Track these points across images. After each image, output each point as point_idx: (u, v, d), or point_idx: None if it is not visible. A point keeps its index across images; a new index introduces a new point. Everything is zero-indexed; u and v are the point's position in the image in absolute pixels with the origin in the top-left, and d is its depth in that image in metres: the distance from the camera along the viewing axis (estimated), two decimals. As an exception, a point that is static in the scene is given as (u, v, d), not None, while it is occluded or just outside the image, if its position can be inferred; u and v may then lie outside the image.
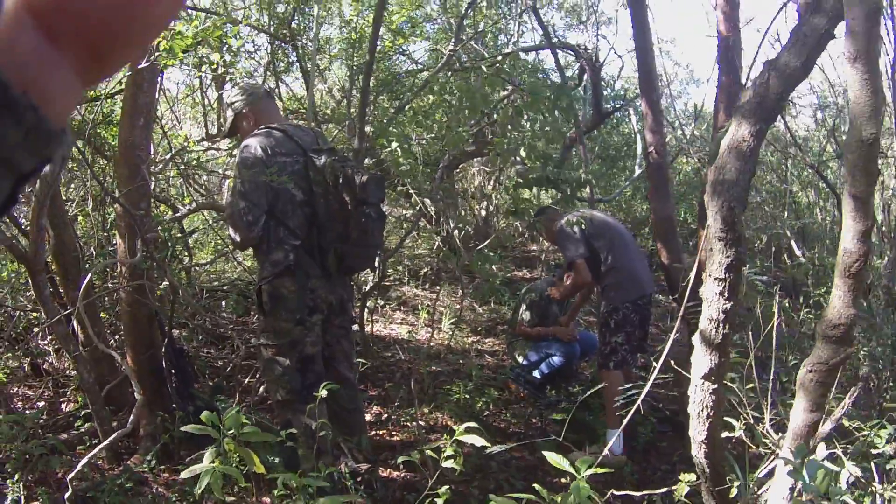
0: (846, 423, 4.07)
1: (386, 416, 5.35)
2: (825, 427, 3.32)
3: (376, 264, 5.26)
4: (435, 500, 3.34)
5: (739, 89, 4.90)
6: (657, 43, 10.71)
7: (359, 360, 5.59)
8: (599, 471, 2.62)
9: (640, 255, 5.48)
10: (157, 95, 4.98)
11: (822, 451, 2.90)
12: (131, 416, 3.96)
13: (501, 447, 3.53)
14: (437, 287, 8.10)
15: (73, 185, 5.86)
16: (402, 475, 4.52)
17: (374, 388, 5.80)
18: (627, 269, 5.23)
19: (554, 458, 2.69)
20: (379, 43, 5.54)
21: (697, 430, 2.97)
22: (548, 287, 5.92)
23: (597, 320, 6.01)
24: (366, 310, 6.22)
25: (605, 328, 5.24)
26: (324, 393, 3.44)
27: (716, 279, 2.68)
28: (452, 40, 5.68)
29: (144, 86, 4.26)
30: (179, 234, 6.35)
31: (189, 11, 5.52)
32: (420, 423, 5.08)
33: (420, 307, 7.56)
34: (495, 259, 7.94)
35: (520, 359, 6.00)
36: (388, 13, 5.47)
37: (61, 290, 4.80)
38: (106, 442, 3.86)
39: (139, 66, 3.89)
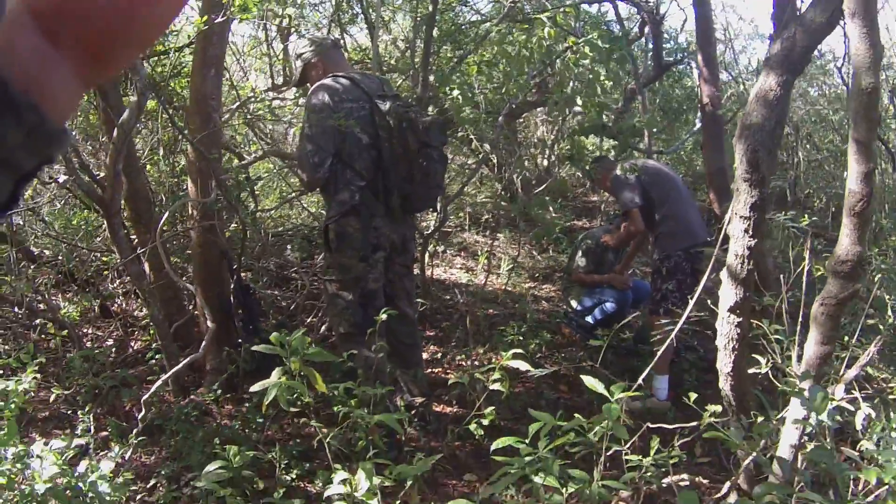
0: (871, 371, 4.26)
1: (442, 354, 5.64)
2: (850, 373, 3.51)
3: (437, 207, 5.52)
4: (481, 420, 3.64)
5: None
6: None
7: (418, 300, 5.91)
8: (628, 394, 2.81)
9: (693, 206, 5.60)
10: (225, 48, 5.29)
11: (840, 391, 3.11)
12: (203, 344, 4.29)
13: (543, 370, 3.82)
14: (497, 233, 8.38)
15: (141, 135, 6.20)
16: (455, 410, 4.81)
17: (431, 328, 6.08)
18: (681, 218, 5.34)
19: (590, 381, 2.89)
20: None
21: (724, 363, 3.18)
22: (603, 234, 6.13)
23: (650, 268, 6.20)
24: (427, 253, 6.52)
25: (657, 275, 5.41)
26: (383, 317, 3.74)
27: (741, 217, 2.89)
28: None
29: (214, 39, 4.55)
30: (246, 181, 6.71)
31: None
32: (475, 362, 5.38)
33: (479, 253, 7.82)
34: (555, 206, 8.16)
35: (574, 304, 6.19)
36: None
37: (133, 235, 5.15)
38: (179, 366, 4.17)
39: (213, 21, 4.19)
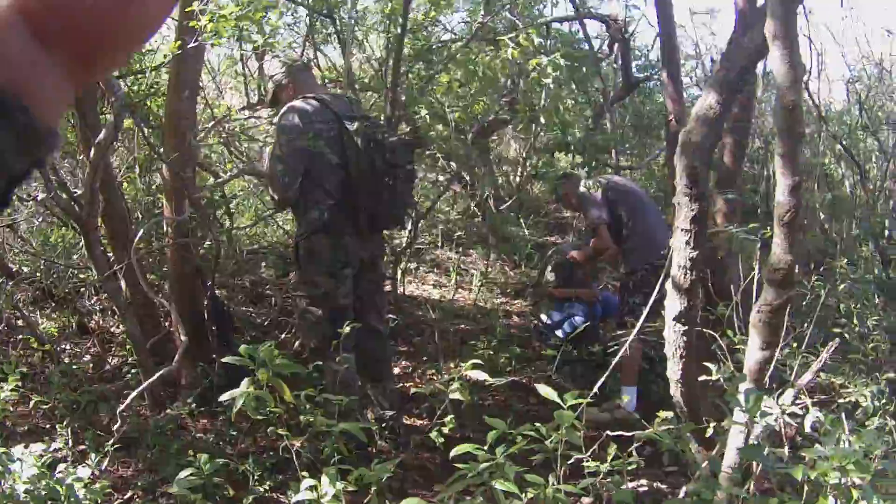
0: (827, 378, 4.45)
1: (413, 369, 5.84)
2: (803, 379, 3.70)
3: (408, 224, 5.73)
4: (441, 429, 3.84)
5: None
6: (692, 14, 10.92)
7: (390, 316, 6.10)
8: (583, 401, 2.94)
9: (661, 220, 5.80)
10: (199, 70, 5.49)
11: (789, 396, 3.30)
12: (175, 358, 4.46)
13: (502, 380, 4.01)
14: (470, 250, 8.59)
15: (118, 153, 6.38)
16: (425, 423, 4.99)
17: (403, 343, 6.28)
18: (647, 233, 5.53)
19: (543, 389, 3.06)
20: (413, 14, 5.99)
21: (673, 370, 3.37)
22: (571, 250, 6.33)
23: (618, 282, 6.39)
24: (399, 270, 6.73)
25: (624, 289, 5.62)
26: (347, 330, 3.92)
27: (683, 230, 3.11)
28: (481, 12, 6.12)
29: (189, 61, 4.72)
30: (221, 199, 6.90)
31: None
32: (445, 375, 5.57)
33: (451, 269, 8.04)
34: (527, 223, 8.39)
35: (544, 318, 6.41)
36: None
37: (110, 252, 5.30)
38: (152, 379, 4.32)
39: (187, 46, 4.38)
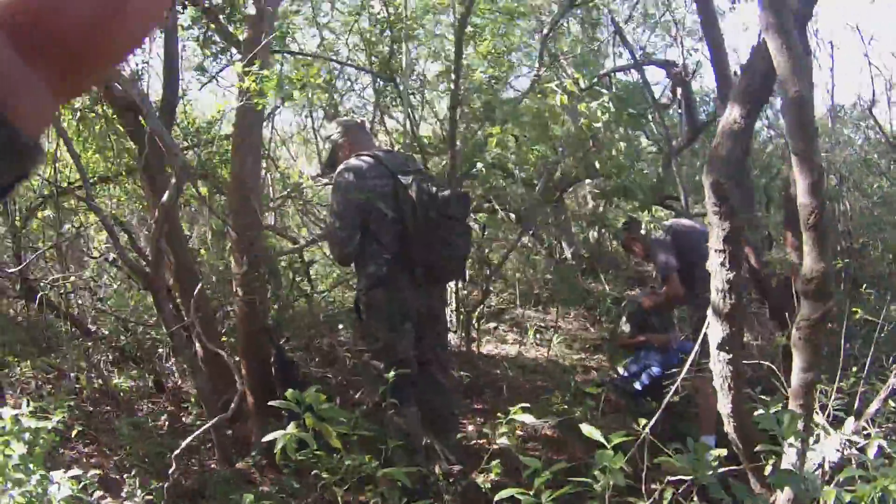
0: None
1: (485, 425, 5.90)
2: (871, 407, 3.61)
3: (465, 277, 5.84)
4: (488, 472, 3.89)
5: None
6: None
7: (463, 372, 6.19)
8: (628, 439, 2.96)
9: None
10: (271, 134, 5.81)
11: (850, 424, 3.23)
12: (232, 404, 4.62)
13: (545, 421, 4.02)
14: (550, 308, 8.65)
15: (194, 222, 6.73)
16: (495, 479, 5.03)
17: (477, 401, 6.37)
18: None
19: (587, 429, 3.10)
20: (474, 73, 6.21)
21: (723, 404, 3.32)
22: (643, 298, 6.33)
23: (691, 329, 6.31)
24: (473, 327, 6.85)
25: (696, 335, 5.60)
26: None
27: (716, 251, 3.09)
28: (536, 65, 6.29)
29: (252, 125, 5.06)
30: (300, 264, 7.18)
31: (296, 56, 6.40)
32: (518, 432, 5.61)
33: (529, 327, 8.11)
34: (606, 277, 8.42)
35: (621, 370, 6.40)
36: (475, 43, 6.17)
37: (182, 311, 5.59)
38: (207, 425, 4.52)
39: (244, 110, 4.68)
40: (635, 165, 6.20)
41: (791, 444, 2.79)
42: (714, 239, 3.12)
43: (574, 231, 9.09)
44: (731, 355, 3.23)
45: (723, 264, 3.10)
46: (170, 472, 4.15)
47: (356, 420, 4.18)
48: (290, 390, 3.38)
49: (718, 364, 3.29)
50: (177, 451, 4.18)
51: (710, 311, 3.28)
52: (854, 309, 4.78)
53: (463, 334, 7.08)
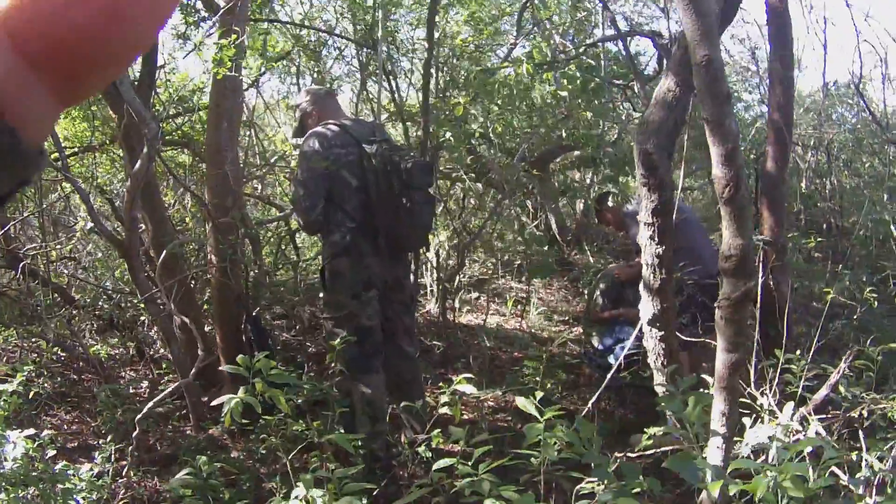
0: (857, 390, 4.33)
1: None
2: (820, 394, 3.61)
3: (427, 247, 5.94)
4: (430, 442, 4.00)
5: (791, 61, 5.19)
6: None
7: (437, 342, 6.34)
8: (553, 413, 2.96)
9: (706, 238, 5.86)
10: (254, 102, 5.93)
11: (788, 410, 3.19)
12: (192, 369, 4.79)
13: (492, 391, 4.11)
14: (532, 279, 8.77)
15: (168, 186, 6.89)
16: (463, 448, 5.17)
17: (451, 371, 6.52)
18: (692, 251, 5.51)
19: (521, 401, 3.15)
20: (454, 40, 6.31)
21: (658, 381, 3.41)
22: (616, 270, 6.45)
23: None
24: (448, 296, 7.01)
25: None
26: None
27: (646, 224, 3.10)
28: (514, 34, 6.39)
29: (227, 93, 5.19)
30: (287, 231, 7.34)
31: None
32: (489, 403, 5.78)
33: (509, 298, 8.25)
34: (591, 249, 8.53)
35: (596, 344, 6.52)
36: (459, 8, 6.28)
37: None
38: (170, 389, 4.75)
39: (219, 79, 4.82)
40: (604, 137, 6.28)
41: (713, 431, 2.80)
42: (643, 212, 3.16)
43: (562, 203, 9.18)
44: (662, 332, 3.28)
45: (652, 238, 3.16)
46: (133, 435, 4.31)
47: (309, 386, 4.36)
48: (240, 356, 3.51)
49: (651, 340, 3.34)
50: (139, 416, 4.34)
51: (640, 286, 3.33)
52: (826, 290, 4.83)
53: (439, 304, 7.22)
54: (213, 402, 3.51)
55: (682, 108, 3.16)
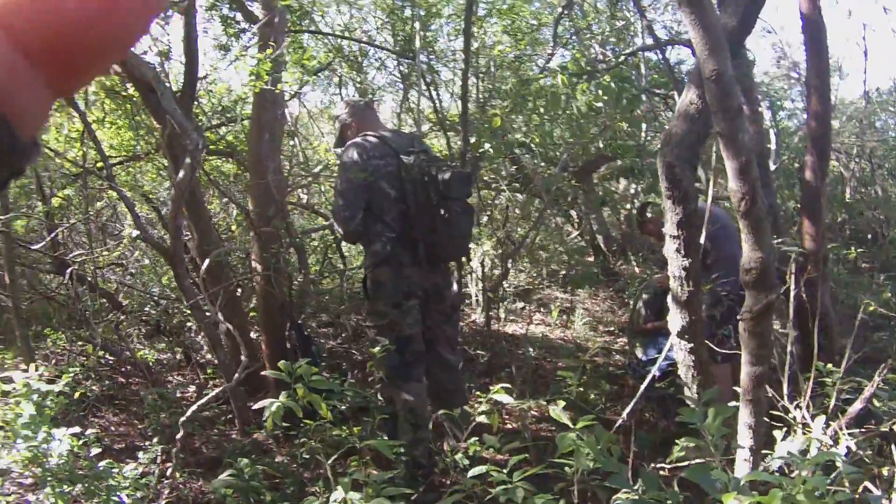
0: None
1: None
2: (855, 407, 3.62)
3: (471, 256, 6.11)
4: (468, 450, 4.13)
5: (826, 69, 5.22)
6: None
7: (482, 351, 6.50)
8: (586, 422, 3.03)
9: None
10: (297, 112, 6.16)
11: (819, 423, 3.14)
12: (236, 374, 4.99)
13: (535, 401, 4.18)
14: (577, 289, 8.91)
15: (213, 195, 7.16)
16: (506, 458, 5.29)
17: (496, 380, 6.66)
18: (730, 261, 5.53)
19: (554, 410, 3.23)
20: (492, 50, 6.49)
21: (689, 393, 3.43)
22: (659, 280, 6.54)
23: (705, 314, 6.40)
24: (499, 308, 7.15)
25: (711, 321, 5.65)
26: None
27: (672, 237, 3.17)
28: (551, 44, 6.56)
29: (267, 104, 5.43)
30: (334, 241, 7.56)
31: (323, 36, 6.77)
32: (533, 413, 5.92)
33: (554, 308, 8.40)
34: (636, 259, 8.64)
35: (639, 354, 6.62)
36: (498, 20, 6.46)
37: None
38: (214, 392, 4.96)
39: (262, 88, 5.06)
40: (645, 147, 6.39)
41: (740, 444, 2.89)
42: (669, 224, 3.27)
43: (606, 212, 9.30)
44: (692, 343, 3.37)
45: (678, 250, 3.26)
46: (178, 436, 4.53)
47: (352, 393, 4.54)
48: (282, 362, 3.68)
49: (681, 353, 3.42)
50: (184, 418, 4.55)
51: (669, 299, 3.41)
52: (867, 301, 4.87)
53: (484, 313, 7.38)
54: (256, 406, 3.70)
55: (704, 120, 3.17)
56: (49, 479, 3.48)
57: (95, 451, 3.72)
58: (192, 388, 6.28)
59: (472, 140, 5.75)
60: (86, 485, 3.55)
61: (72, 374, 4.13)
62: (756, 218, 2.73)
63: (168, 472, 4.50)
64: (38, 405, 3.55)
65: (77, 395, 4.86)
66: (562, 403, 3.31)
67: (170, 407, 5.56)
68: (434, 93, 7.09)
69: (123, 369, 6.25)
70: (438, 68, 7.59)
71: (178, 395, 5.96)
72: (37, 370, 3.70)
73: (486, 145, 5.56)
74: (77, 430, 3.65)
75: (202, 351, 6.76)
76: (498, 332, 7.35)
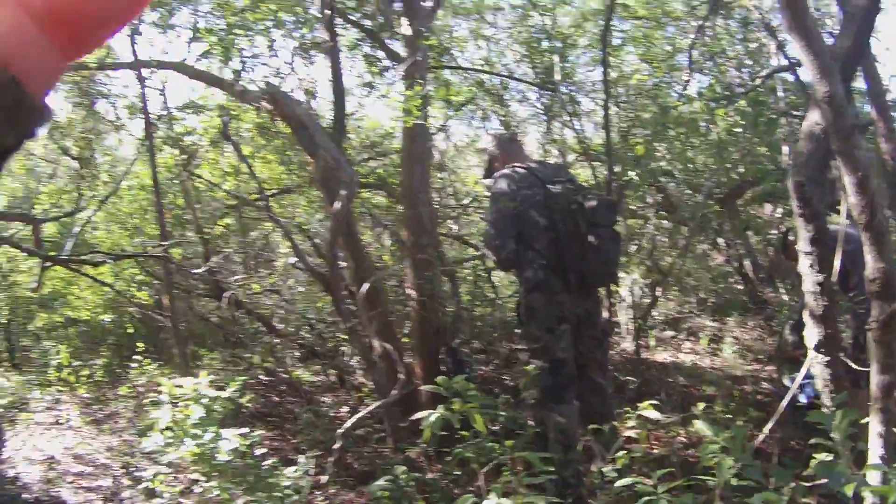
0: None
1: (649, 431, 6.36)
2: None
3: (619, 282, 6.33)
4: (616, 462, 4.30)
5: None
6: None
7: (630, 378, 6.72)
8: (727, 438, 3.13)
9: None
10: (444, 147, 6.57)
11: None
12: (393, 391, 5.36)
13: (671, 416, 4.34)
14: (725, 317, 9.00)
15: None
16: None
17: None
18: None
19: (699, 425, 3.36)
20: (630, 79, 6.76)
21: (828, 408, 3.48)
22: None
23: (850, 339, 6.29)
24: (646, 336, 7.36)
25: (856, 347, 5.72)
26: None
27: (805, 253, 3.30)
28: (687, 70, 6.77)
29: (416, 138, 5.87)
30: (484, 271, 7.92)
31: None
32: (681, 438, 6.10)
33: (703, 336, 8.54)
34: (785, 286, 8.69)
35: (787, 382, 6.67)
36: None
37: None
38: (371, 407, 5.42)
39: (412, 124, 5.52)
40: (786, 170, 6.49)
41: (871, 453, 2.99)
42: (802, 242, 3.43)
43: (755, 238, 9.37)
44: (829, 357, 3.49)
45: (811, 266, 3.43)
46: (334, 447, 4.94)
47: (505, 413, 4.80)
48: (440, 377, 3.96)
49: (818, 367, 3.55)
50: (341, 430, 4.97)
51: (805, 315, 3.57)
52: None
53: (633, 341, 7.61)
54: (414, 417, 4.01)
55: (827, 138, 3.28)
56: (215, 474, 3.95)
57: (260, 451, 4.16)
58: (345, 409, 6.70)
59: (617, 169, 6.02)
60: (250, 481, 3.99)
61: (238, 383, 4.60)
62: (877, 230, 2.86)
63: (323, 481, 4.88)
64: (208, 408, 4.03)
65: (245, 399, 5.30)
66: (697, 422, 3.46)
67: (324, 424, 5.98)
68: (576, 123, 7.41)
69: (278, 389, 6.75)
70: (579, 98, 7.91)
71: (332, 414, 6.39)
72: (206, 377, 4.18)
73: (631, 173, 5.82)
74: (245, 430, 4.11)
75: (355, 374, 7.18)
76: (647, 361, 7.56)
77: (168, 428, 4.13)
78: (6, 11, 0.65)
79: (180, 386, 4.21)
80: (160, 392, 4.33)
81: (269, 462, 4.18)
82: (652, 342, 8.10)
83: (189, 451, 3.96)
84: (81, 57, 0.73)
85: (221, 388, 4.35)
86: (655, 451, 6.04)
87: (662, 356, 8.10)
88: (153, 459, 4.33)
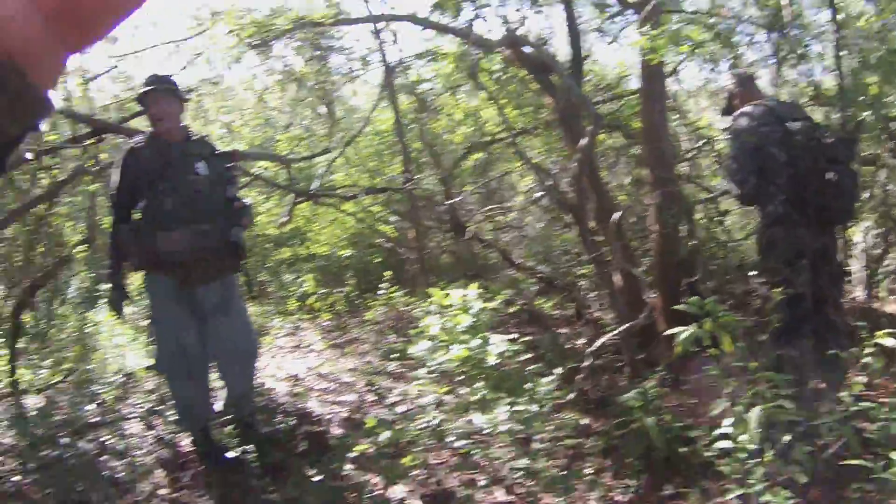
0: None
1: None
2: None
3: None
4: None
5: None
6: None
7: (860, 323, 6.85)
8: None
9: None
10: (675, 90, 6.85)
11: None
12: (641, 315, 5.79)
13: None
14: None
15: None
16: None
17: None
18: None
19: None
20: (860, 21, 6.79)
21: None
22: None
23: None
24: (872, 285, 7.47)
25: None
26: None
27: None
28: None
29: (656, 76, 6.22)
30: (717, 214, 8.11)
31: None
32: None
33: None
34: None
35: None
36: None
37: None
38: (617, 330, 5.82)
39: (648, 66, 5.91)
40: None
41: None
42: None
43: None
44: None
45: None
46: (582, 365, 5.39)
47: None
48: (693, 297, 4.23)
49: None
50: (590, 349, 5.42)
51: None
52: None
53: (865, 290, 7.70)
54: (666, 333, 4.36)
55: None
56: (482, 376, 4.43)
57: (525, 356, 4.61)
58: (583, 341, 7.09)
59: (849, 112, 6.12)
60: (510, 387, 4.45)
61: (505, 295, 5.10)
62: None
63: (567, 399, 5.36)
64: (478, 316, 4.55)
65: (512, 308, 5.77)
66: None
67: (563, 352, 6.43)
68: (806, 66, 7.51)
69: (515, 320, 7.29)
70: (808, 41, 7.96)
71: (569, 343, 6.83)
72: (478, 288, 4.69)
73: (865, 114, 5.91)
74: (514, 335, 4.60)
75: (592, 308, 7.52)
76: (877, 311, 7.57)
77: (434, 337, 4.65)
78: (16, 4, 0.68)
79: (448, 295, 4.73)
80: (430, 303, 4.90)
81: (531, 368, 4.63)
82: (883, 293, 8.09)
83: (457, 354, 4.44)
84: (83, 49, 0.76)
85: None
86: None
87: (893, 307, 8.06)
88: (420, 365, 4.77)
